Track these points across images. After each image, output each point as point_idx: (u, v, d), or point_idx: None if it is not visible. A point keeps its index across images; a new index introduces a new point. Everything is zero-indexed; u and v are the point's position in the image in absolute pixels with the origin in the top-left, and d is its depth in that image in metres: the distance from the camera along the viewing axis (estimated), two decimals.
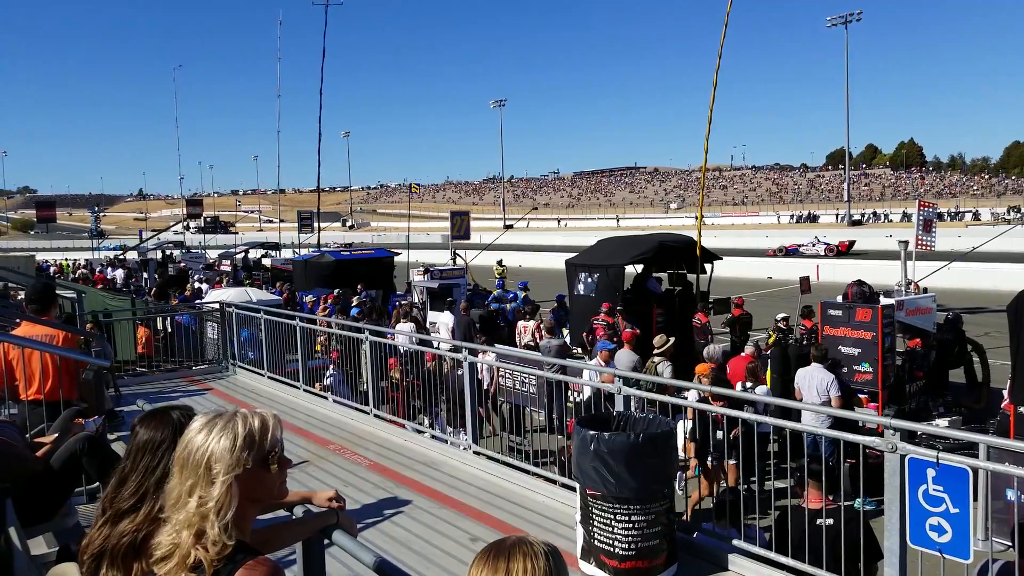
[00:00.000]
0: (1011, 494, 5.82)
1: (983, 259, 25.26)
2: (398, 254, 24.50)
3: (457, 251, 26.12)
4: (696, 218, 21.05)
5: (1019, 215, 62.09)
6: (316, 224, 40.12)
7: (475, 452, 6.62)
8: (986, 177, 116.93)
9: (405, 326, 12.50)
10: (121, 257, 40.85)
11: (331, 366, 9.47)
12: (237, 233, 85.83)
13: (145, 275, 31.03)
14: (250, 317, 10.54)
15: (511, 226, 46.92)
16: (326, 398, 8.90)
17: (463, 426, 7.12)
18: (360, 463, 6.72)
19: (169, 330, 13.06)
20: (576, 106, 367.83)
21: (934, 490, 3.73)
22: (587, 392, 5.49)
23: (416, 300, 19.47)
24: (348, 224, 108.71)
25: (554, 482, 5.79)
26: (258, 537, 2.05)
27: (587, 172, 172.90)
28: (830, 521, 4.80)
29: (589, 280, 15.21)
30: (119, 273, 32.24)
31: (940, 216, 29.53)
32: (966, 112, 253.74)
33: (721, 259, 16.51)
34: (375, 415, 7.95)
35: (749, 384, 8.84)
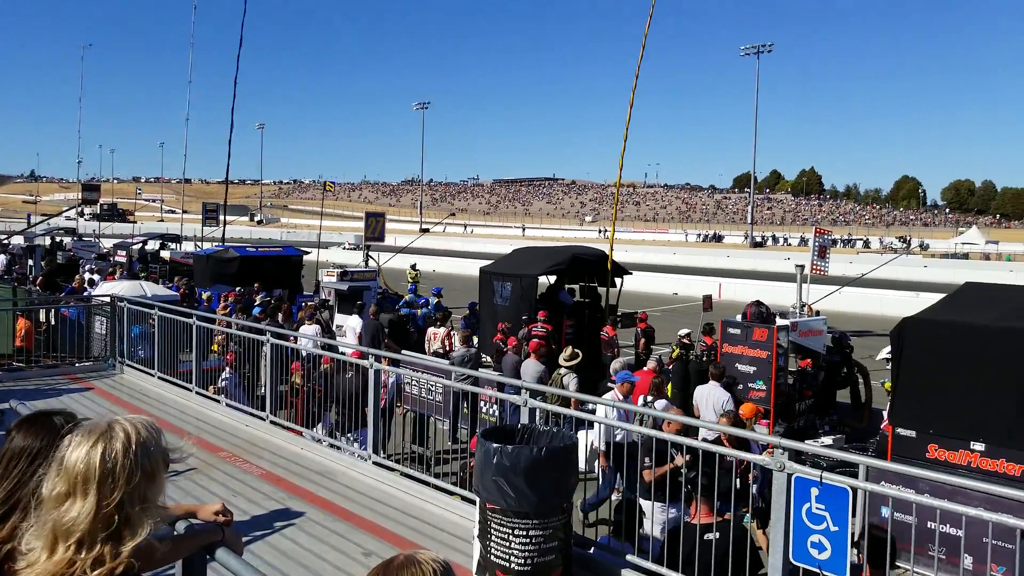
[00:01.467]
0: (885, 511, 6.15)
1: (872, 285, 26.84)
2: (307, 253, 23.86)
3: (370, 253, 25.69)
4: (601, 232, 21.42)
5: (905, 245, 66.57)
6: (222, 217, 38.60)
7: (375, 463, 6.47)
8: (877, 208, 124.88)
9: (309, 328, 12.15)
10: (4, 241, 38.11)
11: (227, 368, 9.07)
12: (136, 223, 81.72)
13: (31, 262, 29.09)
14: (143, 313, 10.00)
15: (427, 230, 46.49)
16: (219, 401, 8.51)
17: (353, 431, 6.96)
18: (252, 472, 6.45)
19: (53, 323, 12.25)
20: (498, 115, 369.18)
21: (816, 508, 3.88)
22: (620, 436, 5.52)
23: (324, 301, 19.01)
24: (256, 219, 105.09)
25: (455, 495, 5.71)
26: (138, 554, 1.93)
27: (506, 180, 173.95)
28: (718, 535, 4.93)
29: (503, 289, 15.24)
30: (0, 259, 30.05)
31: (834, 242, 31.28)
32: (862, 145, 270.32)
33: (631, 274, 16.88)
34: (271, 421, 7.65)
35: (651, 398, 9.04)
